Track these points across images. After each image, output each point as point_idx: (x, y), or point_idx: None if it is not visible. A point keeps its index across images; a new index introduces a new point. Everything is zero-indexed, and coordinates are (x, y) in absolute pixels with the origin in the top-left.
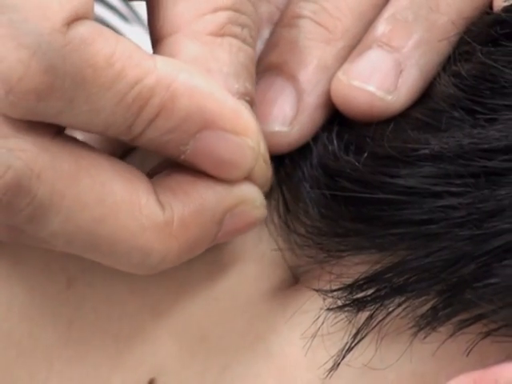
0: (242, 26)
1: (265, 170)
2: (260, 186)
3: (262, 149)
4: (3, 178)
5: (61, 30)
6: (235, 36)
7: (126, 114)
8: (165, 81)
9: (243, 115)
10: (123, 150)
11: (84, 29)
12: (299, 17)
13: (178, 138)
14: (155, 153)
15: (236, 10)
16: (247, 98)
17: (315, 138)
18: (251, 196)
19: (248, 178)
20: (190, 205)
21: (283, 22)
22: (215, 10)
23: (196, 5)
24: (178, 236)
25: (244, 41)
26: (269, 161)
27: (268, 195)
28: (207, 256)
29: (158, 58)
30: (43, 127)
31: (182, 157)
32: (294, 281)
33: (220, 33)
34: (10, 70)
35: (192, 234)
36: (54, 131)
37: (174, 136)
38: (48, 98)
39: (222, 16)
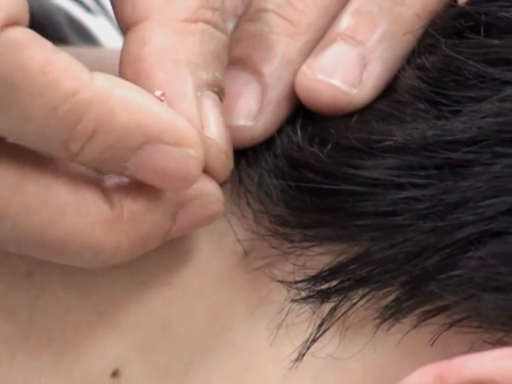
0: (214, 9)
1: (226, 163)
2: (219, 179)
3: (224, 144)
4: None
5: None
6: (207, 22)
7: (59, 126)
8: (101, 96)
9: (182, 127)
10: None
11: (18, 34)
12: (264, 10)
13: (118, 155)
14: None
15: None
16: (215, 89)
17: (279, 130)
18: (206, 191)
19: (207, 172)
20: (139, 201)
21: (248, 16)
22: None
23: None
24: (128, 231)
25: (216, 26)
26: (231, 155)
27: (229, 185)
28: (162, 246)
29: (96, 73)
30: None
31: (126, 173)
32: (254, 270)
33: (193, 18)
34: None
35: (143, 229)
36: None
37: (114, 153)
38: None
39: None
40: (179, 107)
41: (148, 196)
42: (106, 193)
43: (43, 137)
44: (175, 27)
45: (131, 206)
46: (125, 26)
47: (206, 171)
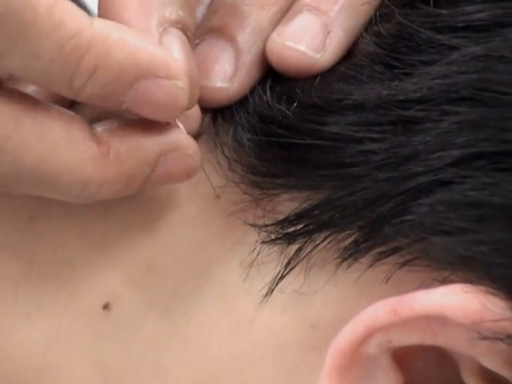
0: None
1: (194, 92)
2: (190, 106)
3: (192, 73)
4: None
5: None
6: None
7: (65, 63)
8: (100, 36)
9: (172, 62)
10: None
11: None
12: None
13: (117, 90)
14: (99, 106)
15: None
16: (178, 26)
17: (252, 90)
18: (184, 144)
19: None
20: (125, 143)
21: None
22: None
23: None
24: (114, 168)
25: None
26: (196, 81)
27: (205, 137)
28: (146, 194)
29: (95, 18)
30: None
31: (124, 106)
32: (228, 214)
33: None
34: None
35: (126, 169)
36: None
37: (113, 88)
38: None
39: None
40: None
41: (132, 140)
42: (95, 133)
43: (50, 73)
44: None
45: (117, 146)
46: None
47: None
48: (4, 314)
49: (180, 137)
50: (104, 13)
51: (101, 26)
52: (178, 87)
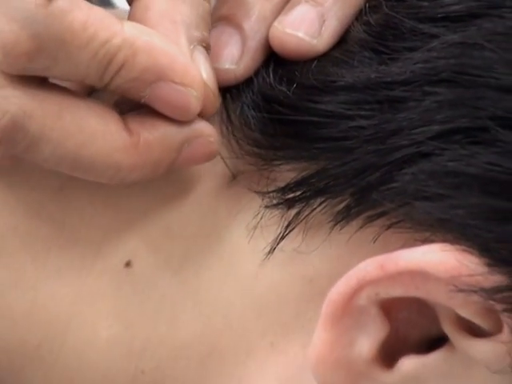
0: None
1: (213, 100)
2: (208, 112)
3: (212, 85)
4: (2, 120)
5: (43, 4)
6: None
7: (98, 66)
8: (129, 40)
9: (191, 71)
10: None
11: (62, 1)
12: None
13: (137, 86)
14: (122, 96)
15: None
16: (204, 44)
17: (256, 72)
18: (205, 132)
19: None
20: (154, 133)
21: None
22: None
23: None
24: (143, 156)
25: None
26: (217, 94)
27: (217, 118)
28: (169, 175)
29: (126, 22)
30: (32, 78)
31: (143, 100)
32: (234, 182)
33: None
34: (5, 39)
35: (154, 155)
36: (40, 80)
37: (134, 84)
38: (37, 58)
39: None
40: None
41: (160, 130)
42: (127, 124)
43: (85, 75)
44: None
45: (146, 136)
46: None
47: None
48: (38, 271)
49: (201, 126)
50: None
51: (131, 30)
52: (192, 94)
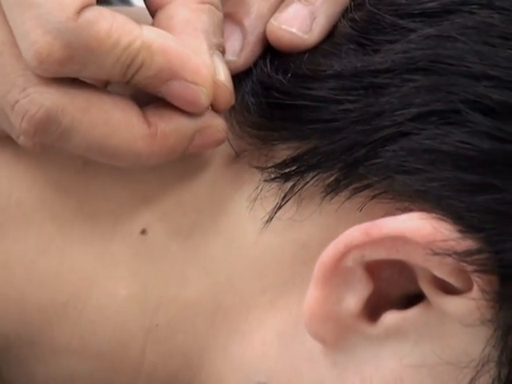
0: None
1: (229, 98)
2: (224, 108)
3: (229, 85)
4: (38, 113)
5: (73, 17)
6: (212, 3)
7: (121, 67)
8: (147, 43)
9: (202, 70)
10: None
11: (90, 13)
12: None
13: (154, 83)
14: (141, 90)
15: None
16: (221, 49)
17: (255, 63)
18: (216, 123)
19: (217, 102)
20: (170, 124)
21: None
22: None
23: None
24: (160, 144)
25: (217, 7)
26: (233, 92)
27: None
28: (182, 159)
29: (145, 26)
30: (64, 77)
31: (159, 94)
32: (237, 160)
33: (203, 1)
34: (40, 48)
35: (170, 144)
36: (72, 79)
37: (152, 81)
38: (68, 64)
39: None
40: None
41: (175, 121)
42: (146, 117)
43: (110, 75)
44: (192, 7)
45: (163, 127)
46: (153, 8)
47: (217, 102)
48: (64, 239)
49: (211, 117)
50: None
51: (149, 34)
52: (202, 91)
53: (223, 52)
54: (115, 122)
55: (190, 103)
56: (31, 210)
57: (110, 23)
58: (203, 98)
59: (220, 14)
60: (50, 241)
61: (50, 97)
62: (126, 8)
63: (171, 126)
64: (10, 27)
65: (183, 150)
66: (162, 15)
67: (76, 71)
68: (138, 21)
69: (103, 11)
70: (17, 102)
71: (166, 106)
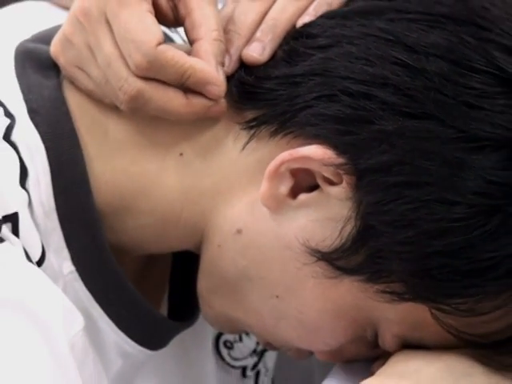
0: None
1: (224, 89)
2: (224, 93)
3: (224, 82)
4: (133, 91)
5: (154, 48)
6: (221, 40)
7: (178, 76)
8: (192, 65)
9: (218, 79)
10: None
11: (163, 46)
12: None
13: (197, 86)
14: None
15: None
16: (222, 65)
17: (236, 71)
18: (221, 101)
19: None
20: (197, 99)
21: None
22: (217, 26)
23: (208, 26)
24: (191, 109)
25: (222, 41)
26: (225, 85)
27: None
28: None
29: (191, 57)
30: (149, 77)
31: (185, 85)
32: (227, 119)
33: (216, 39)
34: (135, 60)
35: (197, 109)
36: (153, 79)
37: (196, 85)
38: (150, 72)
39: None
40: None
41: (201, 99)
42: (186, 95)
43: (172, 79)
44: (210, 41)
45: (194, 99)
46: (191, 42)
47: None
48: (146, 158)
49: (221, 100)
50: (194, 55)
51: (193, 59)
52: (220, 89)
53: (223, 65)
54: (172, 98)
55: (213, 94)
56: (127, 142)
57: (173, 52)
58: (218, 92)
59: (222, 46)
60: (136, 162)
61: (139, 83)
62: (182, 45)
63: (198, 100)
64: (116, 42)
65: (205, 112)
66: (196, 47)
67: (154, 75)
68: (187, 51)
69: (170, 46)
70: (122, 85)
71: (196, 92)
